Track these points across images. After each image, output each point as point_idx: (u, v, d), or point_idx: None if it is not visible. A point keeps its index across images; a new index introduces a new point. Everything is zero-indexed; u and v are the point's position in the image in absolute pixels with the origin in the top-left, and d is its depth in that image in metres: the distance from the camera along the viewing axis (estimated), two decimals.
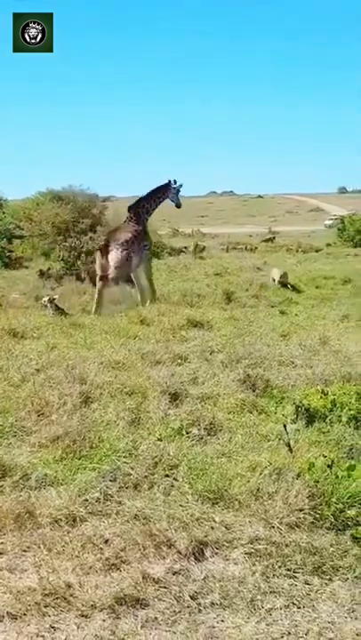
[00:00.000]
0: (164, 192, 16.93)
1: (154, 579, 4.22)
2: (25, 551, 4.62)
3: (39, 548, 4.62)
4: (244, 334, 11.32)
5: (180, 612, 3.94)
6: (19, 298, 17.06)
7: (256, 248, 37.24)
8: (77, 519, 4.94)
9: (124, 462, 5.73)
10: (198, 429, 6.60)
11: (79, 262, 20.08)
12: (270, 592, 4.11)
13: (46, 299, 14.79)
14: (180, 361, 9.35)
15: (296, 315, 14.59)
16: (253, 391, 7.80)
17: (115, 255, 15.75)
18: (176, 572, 4.32)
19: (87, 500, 5.15)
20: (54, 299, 14.89)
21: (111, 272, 15.68)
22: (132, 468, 5.62)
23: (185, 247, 35.21)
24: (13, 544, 4.68)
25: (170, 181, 16.97)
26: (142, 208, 16.69)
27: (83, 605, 3.96)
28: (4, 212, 35.20)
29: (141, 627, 3.80)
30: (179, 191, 17.17)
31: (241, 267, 24.99)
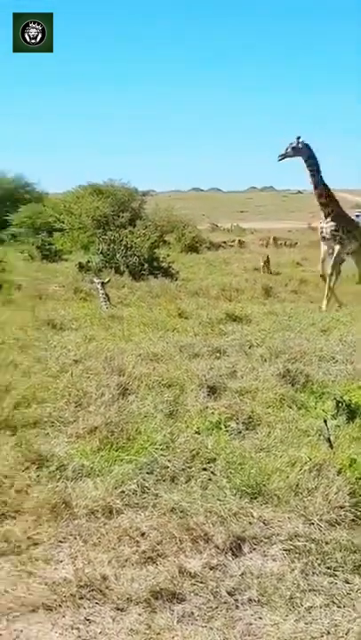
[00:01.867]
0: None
1: (190, 573, 4.14)
2: (61, 542, 4.58)
3: (75, 539, 4.59)
4: (284, 329, 11.21)
5: (216, 607, 3.86)
6: (58, 290, 17.14)
7: (296, 243, 37.02)
8: (114, 511, 4.89)
9: (162, 455, 5.67)
10: (237, 423, 6.52)
11: (118, 255, 20.07)
12: (309, 590, 4.01)
13: (98, 280, 14.91)
14: (218, 354, 9.28)
15: (336, 310, 14.42)
16: (293, 386, 7.69)
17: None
18: (213, 567, 4.24)
19: (124, 492, 5.10)
20: (108, 281, 15.05)
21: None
22: (169, 461, 5.56)
23: (224, 242, 35.15)
24: (49, 534, 4.64)
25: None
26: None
27: (118, 598, 3.91)
28: (44, 206, 35.54)
29: (177, 622, 3.73)
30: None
31: (280, 262, 24.82)
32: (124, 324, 11.60)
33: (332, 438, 5.84)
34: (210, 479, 5.31)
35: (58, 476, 5.39)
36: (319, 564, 4.26)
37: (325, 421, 6.08)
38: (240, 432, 6.37)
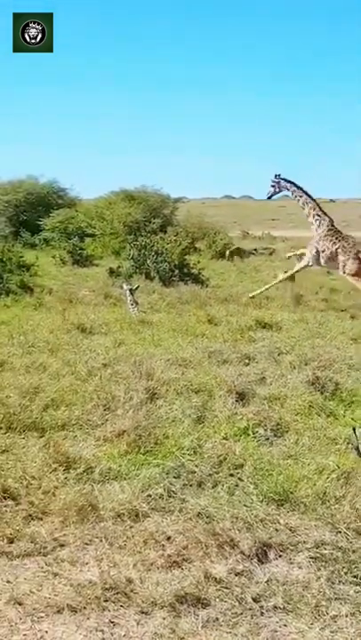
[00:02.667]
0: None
1: (216, 578, 4.13)
2: (87, 544, 4.59)
3: (101, 541, 4.59)
4: (314, 336, 11.15)
5: (241, 613, 3.84)
6: (88, 294, 17.19)
7: None
8: (140, 514, 4.89)
9: (189, 459, 5.67)
10: (265, 430, 6.50)
11: (149, 261, 20.10)
12: (335, 598, 3.97)
13: (126, 287, 14.84)
14: (247, 361, 9.26)
15: None
16: (322, 393, 7.65)
17: None
18: (239, 573, 4.22)
19: (150, 496, 5.10)
20: (137, 287, 15.02)
21: None
22: (196, 466, 5.56)
23: (254, 249, 35.00)
24: (75, 536, 4.66)
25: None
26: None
27: (143, 602, 3.90)
28: (76, 211, 35.72)
29: (202, 627, 3.71)
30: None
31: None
32: (154, 330, 11.62)
33: (360, 446, 5.80)
34: (237, 485, 5.30)
35: (85, 479, 5.41)
36: (345, 573, 4.22)
37: (354, 429, 6.03)
38: (268, 439, 6.35)
